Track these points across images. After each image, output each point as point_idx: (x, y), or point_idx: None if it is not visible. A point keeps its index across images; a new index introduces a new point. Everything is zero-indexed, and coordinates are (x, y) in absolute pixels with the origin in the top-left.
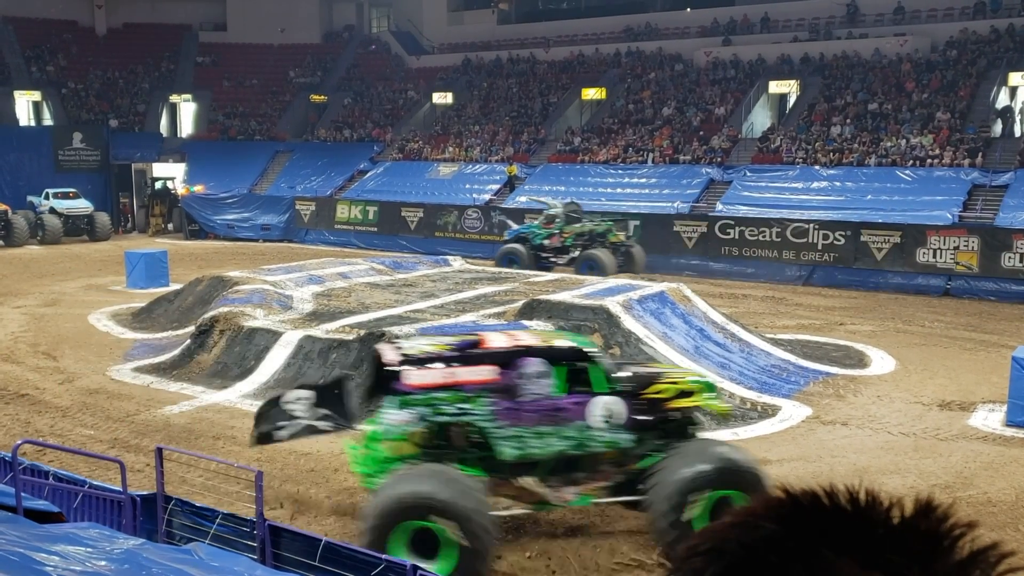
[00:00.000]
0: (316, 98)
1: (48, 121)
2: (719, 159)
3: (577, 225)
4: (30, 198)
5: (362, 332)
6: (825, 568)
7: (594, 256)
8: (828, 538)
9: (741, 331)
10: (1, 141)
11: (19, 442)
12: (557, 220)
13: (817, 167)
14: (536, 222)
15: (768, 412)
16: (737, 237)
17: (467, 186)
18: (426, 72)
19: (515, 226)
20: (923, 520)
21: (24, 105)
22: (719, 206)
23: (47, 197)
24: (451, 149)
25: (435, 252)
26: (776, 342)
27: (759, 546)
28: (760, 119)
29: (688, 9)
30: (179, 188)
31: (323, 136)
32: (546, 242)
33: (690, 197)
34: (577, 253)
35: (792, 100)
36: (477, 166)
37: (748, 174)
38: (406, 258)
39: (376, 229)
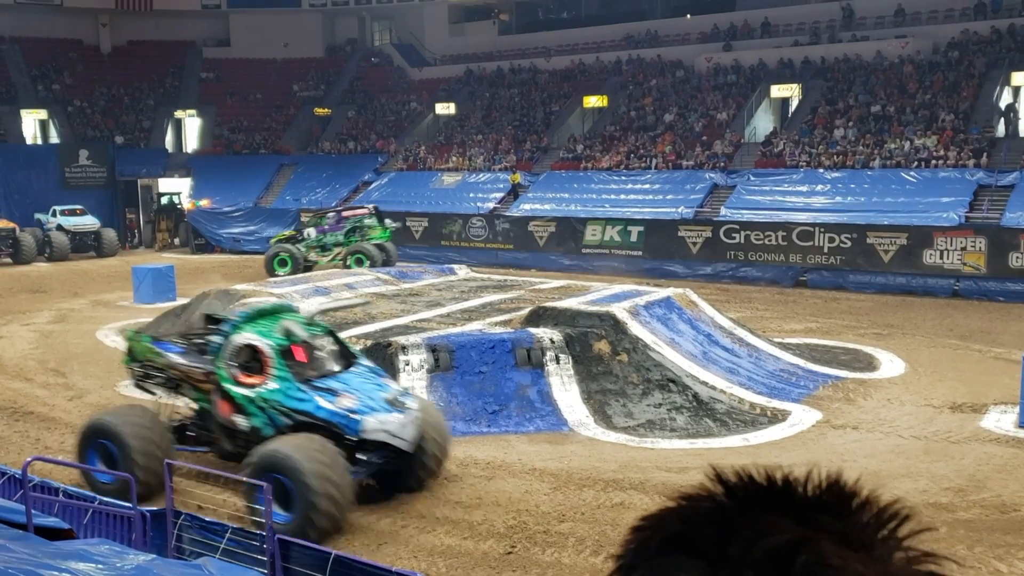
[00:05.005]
0: (320, 111)
1: (55, 139)
2: (722, 164)
3: (345, 224)
4: (37, 215)
5: (369, 342)
6: (762, 527)
7: (364, 249)
8: (760, 506)
9: (749, 336)
10: (8, 159)
11: (29, 459)
12: (324, 219)
13: (821, 170)
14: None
15: (778, 417)
16: (742, 241)
17: (471, 195)
18: (428, 83)
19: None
20: (835, 487)
21: (31, 123)
22: (723, 211)
23: (54, 214)
24: (454, 159)
25: (441, 261)
26: (784, 346)
27: (697, 519)
28: (762, 124)
29: (688, 16)
30: (185, 203)
31: (327, 148)
32: (316, 239)
33: (694, 202)
34: (343, 250)
35: (794, 104)
36: (481, 175)
37: (752, 178)
38: (411, 267)
39: None
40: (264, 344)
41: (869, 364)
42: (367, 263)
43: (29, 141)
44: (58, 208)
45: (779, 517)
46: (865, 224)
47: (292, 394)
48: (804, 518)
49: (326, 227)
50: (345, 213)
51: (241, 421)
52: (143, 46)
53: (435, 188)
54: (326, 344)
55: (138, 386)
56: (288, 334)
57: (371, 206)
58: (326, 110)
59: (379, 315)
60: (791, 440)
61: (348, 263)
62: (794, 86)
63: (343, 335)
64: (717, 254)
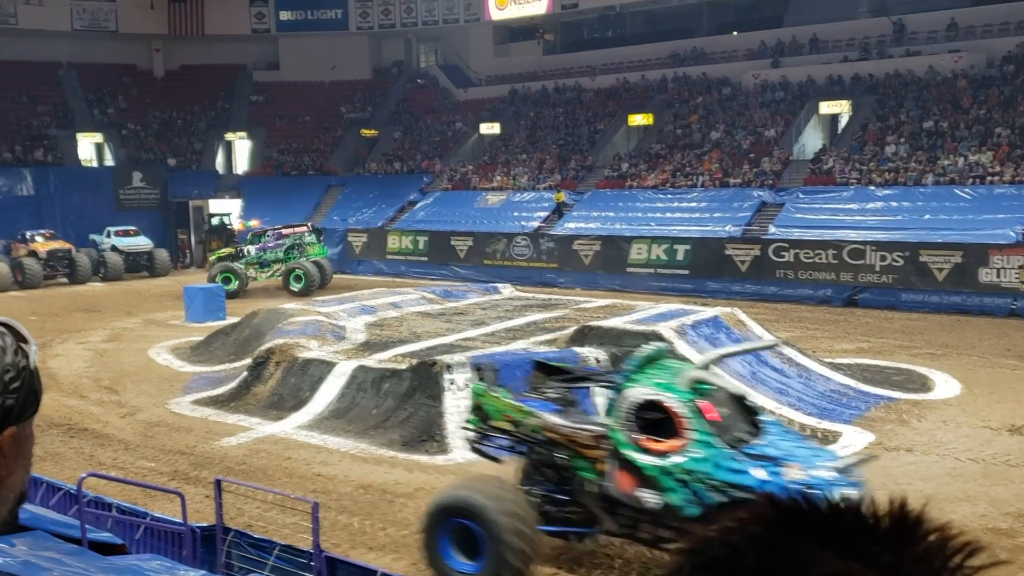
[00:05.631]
0: (367, 132)
1: (109, 162)
2: (770, 182)
3: (284, 241)
4: (92, 236)
5: (414, 361)
6: (802, 559)
7: (302, 266)
8: (805, 534)
9: (798, 355)
10: (65, 182)
11: (83, 475)
12: (264, 237)
13: (872, 187)
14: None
15: (829, 439)
16: (792, 260)
17: (515, 214)
18: (473, 104)
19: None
20: (893, 515)
21: (87, 147)
22: (772, 229)
23: (109, 235)
24: (499, 178)
25: (485, 280)
26: (835, 366)
27: (742, 545)
28: (811, 140)
29: (735, 33)
30: (236, 223)
31: (374, 169)
32: (257, 256)
33: (742, 220)
34: (282, 267)
35: (844, 120)
36: (525, 194)
37: (801, 196)
38: (456, 287)
39: (426, 258)
40: (673, 400)
41: (923, 385)
42: (304, 281)
43: (85, 164)
44: (112, 229)
45: (824, 547)
46: (918, 242)
47: (724, 463)
48: (852, 548)
49: (267, 244)
50: (284, 231)
51: (650, 497)
52: (195, 70)
53: (479, 207)
54: (724, 398)
55: (475, 450)
56: (695, 387)
57: (309, 224)
58: (373, 131)
59: (424, 334)
60: None
61: (289, 281)
62: (844, 102)
63: (387, 353)
64: (766, 273)
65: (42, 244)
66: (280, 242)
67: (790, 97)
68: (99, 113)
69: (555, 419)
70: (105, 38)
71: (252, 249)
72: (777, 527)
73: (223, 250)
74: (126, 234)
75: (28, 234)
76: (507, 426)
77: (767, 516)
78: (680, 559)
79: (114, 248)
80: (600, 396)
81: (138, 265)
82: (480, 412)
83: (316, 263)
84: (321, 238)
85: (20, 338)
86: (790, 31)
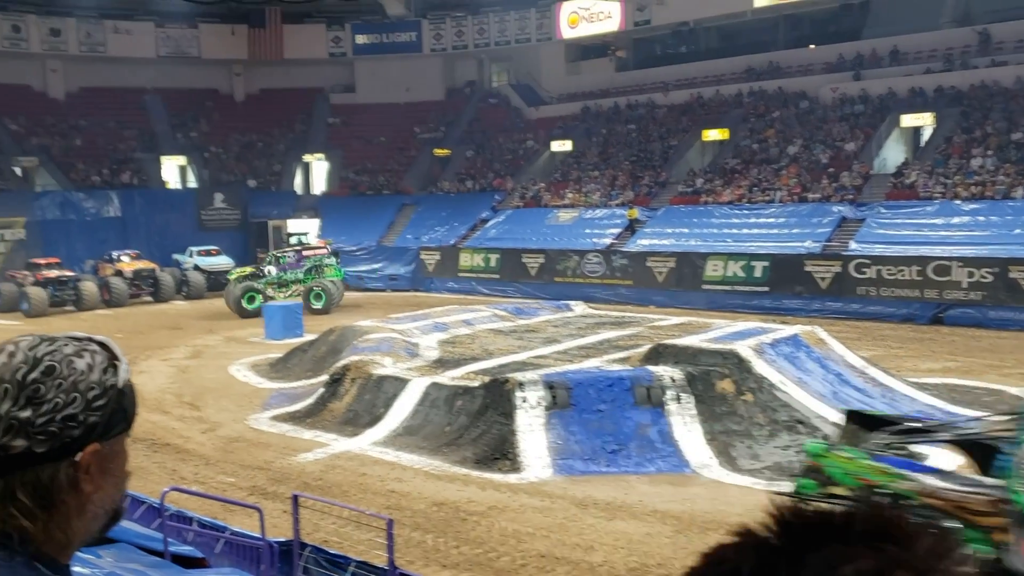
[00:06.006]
0: (440, 152)
1: (192, 183)
2: (851, 196)
3: (305, 262)
4: (175, 256)
5: (486, 378)
6: (834, 559)
7: (323, 285)
8: (818, 542)
9: (882, 375)
10: (150, 203)
11: (166, 489)
12: (285, 257)
13: (957, 201)
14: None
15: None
16: (874, 276)
17: (587, 231)
18: (545, 122)
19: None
20: (888, 520)
21: (171, 169)
22: (853, 244)
23: (191, 255)
24: (570, 195)
25: (557, 297)
26: (921, 386)
27: (766, 554)
28: (893, 154)
29: (812, 46)
30: (314, 242)
31: (446, 188)
32: (277, 276)
33: (821, 236)
34: (300, 287)
35: (927, 133)
36: (597, 211)
37: (883, 211)
38: (528, 304)
39: (498, 276)
40: None
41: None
42: (325, 299)
43: (169, 186)
44: (195, 249)
45: (848, 546)
46: (1007, 257)
47: None
48: (874, 548)
49: (287, 265)
50: (305, 252)
51: None
52: (274, 94)
53: (551, 225)
54: None
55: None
56: None
57: (329, 245)
58: (445, 151)
59: (496, 351)
60: None
61: (309, 299)
62: (927, 115)
63: (460, 371)
64: (847, 290)
65: (128, 264)
66: (301, 263)
67: (870, 110)
68: (182, 136)
69: (936, 482)
70: (188, 64)
71: (273, 269)
72: (789, 536)
73: (241, 269)
74: (208, 254)
75: (115, 254)
76: (856, 491)
77: (773, 527)
78: (713, 571)
79: (196, 267)
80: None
81: (219, 284)
82: (818, 475)
83: (333, 283)
84: (338, 260)
85: (113, 357)
86: (869, 43)
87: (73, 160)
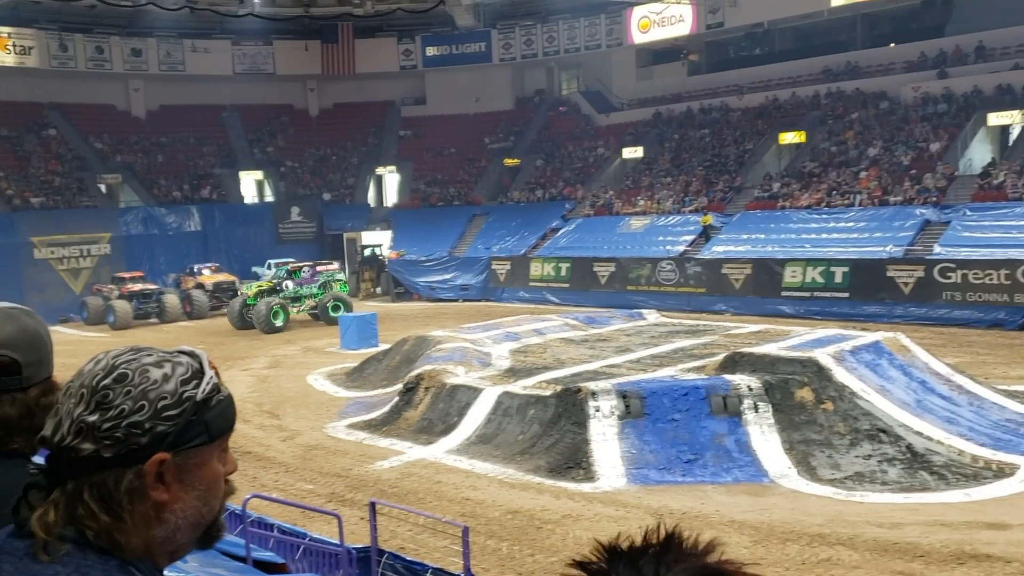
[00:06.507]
0: (509, 162)
1: (269, 197)
2: (934, 199)
3: (319, 278)
4: (255, 269)
5: (559, 388)
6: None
7: (341, 297)
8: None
9: (969, 383)
10: (229, 217)
11: (248, 496)
12: (300, 273)
13: None
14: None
15: (1005, 471)
16: (959, 281)
17: (660, 238)
18: (616, 128)
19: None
20: (670, 539)
21: (249, 184)
22: (937, 248)
23: (269, 267)
24: (642, 202)
25: (628, 306)
26: (1010, 394)
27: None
28: (979, 154)
29: (892, 45)
30: (386, 253)
31: (516, 197)
32: (293, 291)
33: (904, 240)
34: (314, 302)
35: (1015, 132)
36: (670, 218)
37: (968, 213)
38: (600, 313)
39: (568, 285)
40: None
41: None
42: (343, 309)
43: (247, 200)
44: (273, 261)
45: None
46: None
47: None
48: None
49: (301, 280)
50: (319, 268)
51: None
52: (347, 108)
53: (622, 232)
54: None
55: None
56: None
57: (336, 264)
58: (515, 160)
59: (568, 360)
60: (1021, 497)
61: (327, 311)
62: (1015, 112)
63: (532, 380)
64: (931, 295)
65: (208, 277)
66: (315, 278)
67: (954, 109)
68: (259, 152)
69: None
70: (264, 80)
71: (290, 284)
72: (613, 560)
73: (256, 284)
74: (285, 266)
75: (196, 267)
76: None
77: (597, 557)
78: None
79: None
80: None
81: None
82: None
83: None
84: (346, 277)
85: (200, 370)
86: (952, 40)
87: (155, 176)
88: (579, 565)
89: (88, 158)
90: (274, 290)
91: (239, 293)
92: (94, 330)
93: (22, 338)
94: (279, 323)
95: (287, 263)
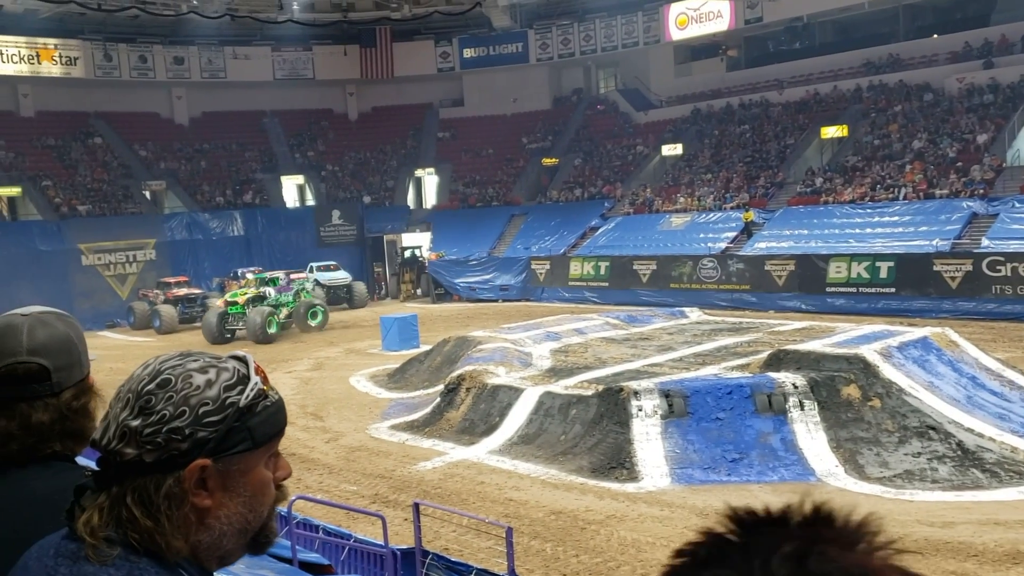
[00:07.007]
0: (548, 161)
1: (310, 201)
2: (982, 191)
3: (293, 286)
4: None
5: (600, 387)
6: (775, 542)
7: (321, 304)
8: (768, 531)
9: (1020, 378)
10: (272, 222)
11: (293, 498)
12: (277, 281)
13: None
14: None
15: None
16: (1009, 274)
17: (701, 235)
18: (654, 126)
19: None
20: (823, 510)
21: (290, 188)
22: (985, 242)
23: (311, 270)
24: (682, 200)
25: (670, 304)
26: None
27: (722, 543)
28: None
29: (935, 36)
30: (426, 254)
31: (555, 197)
32: (275, 299)
33: (950, 234)
34: (287, 310)
35: None
36: (711, 215)
37: (1017, 205)
38: (641, 311)
39: (608, 284)
40: None
41: None
42: (321, 317)
43: (289, 204)
44: (315, 264)
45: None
46: None
47: None
48: (806, 533)
49: (279, 287)
50: (293, 276)
51: None
52: (386, 111)
53: (663, 230)
54: None
55: None
56: None
57: (306, 272)
58: (553, 160)
59: (609, 359)
60: None
61: (306, 317)
62: None
63: (573, 379)
64: (980, 289)
65: (306, 275)
66: (290, 287)
67: (1001, 99)
68: (300, 156)
69: None
70: (303, 85)
71: (272, 292)
72: (742, 529)
73: (240, 293)
74: (327, 269)
75: (239, 272)
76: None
77: (728, 525)
78: (680, 560)
79: (317, 282)
80: None
81: (338, 297)
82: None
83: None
84: (313, 286)
85: (245, 376)
86: (998, 29)
87: (198, 182)
88: (704, 537)
89: (133, 165)
90: (261, 298)
91: (208, 307)
92: (140, 335)
93: (51, 343)
94: (273, 331)
95: (327, 265)
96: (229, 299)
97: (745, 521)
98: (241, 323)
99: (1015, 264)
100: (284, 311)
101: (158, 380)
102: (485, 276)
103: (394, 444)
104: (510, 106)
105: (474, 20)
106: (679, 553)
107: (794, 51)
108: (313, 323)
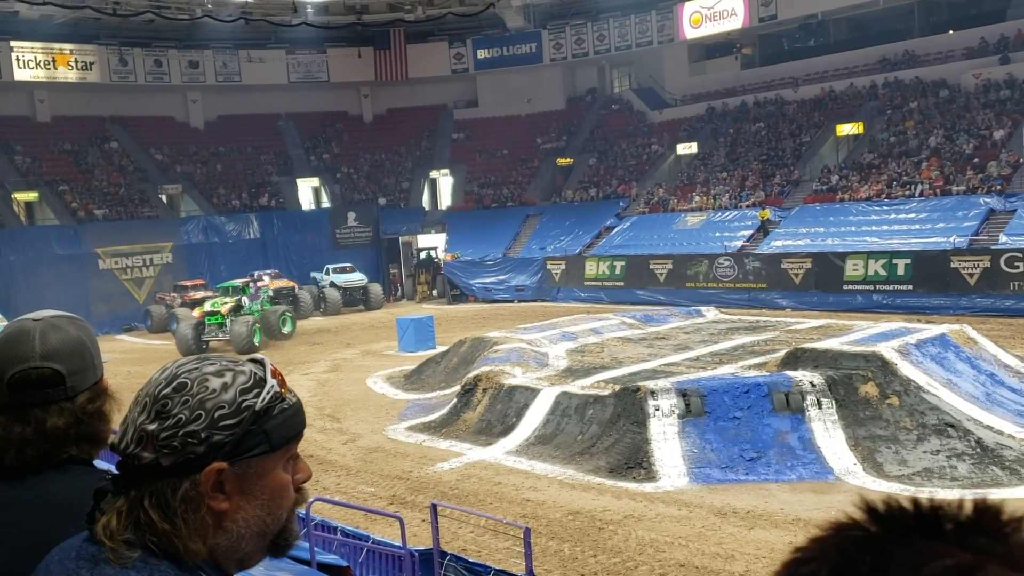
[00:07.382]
0: (562, 161)
1: (326, 203)
2: (999, 187)
3: (260, 293)
4: (313, 274)
5: (617, 387)
6: (922, 554)
7: (290, 312)
8: (910, 533)
9: None
10: (288, 224)
11: (312, 499)
12: (248, 289)
13: None
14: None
15: None
16: None
17: (717, 234)
18: (669, 125)
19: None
20: (984, 514)
21: (306, 191)
22: (1003, 238)
23: (327, 272)
24: (698, 198)
25: (686, 303)
26: None
27: (852, 549)
28: None
29: (950, 31)
30: (441, 255)
31: (570, 197)
32: (249, 307)
33: (968, 230)
34: (253, 318)
35: None
36: (726, 213)
37: None
38: (657, 311)
39: (623, 283)
40: None
41: None
42: (291, 324)
43: (304, 207)
44: (330, 267)
45: (935, 542)
46: None
47: None
48: (964, 542)
49: (252, 296)
50: (259, 284)
51: None
52: (400, 113)
53: (678, 229)
54: None
55: None
56: None
57: (267, 279)
58: (568, 160)
59: (626, 359)
60: None
61: (279, 324)
62: None
63: (589, 379)
64: (998, 285)
65: (268, 283)
66: (258, 295)
67: (1018, 95)
68: (315, 159)
69: None
70: (318, 88)
71: (247, 300)
72: (881, 528)
73: (220, 302)
74: (343, 271)
75: (256, 274)
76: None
77: (863, 521)
78: (800, 570)
79: (333, 284)
80: None
81: (354, 299)
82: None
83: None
84: (272, 295)
85: (261, 379)
86: (1014, 24)
87: (214, 186)
88: (838, 529)
89: (149, 169)
90: (239, 307)
91: (177, 319)
92: (158, 338)
93: (64, 348)
94: (257, 341)
95: (343, 267)
96: (211, 309)
97: (883, 515)
98: (220, 333)
99: None
100: (252, 319)
101: (174, 384)
102: (501, 277)
103: (411, 445)
104: (524, 106)
105: (488, 21)
106: (800, 558)
107: (809, 48)
108: (285, 330)
